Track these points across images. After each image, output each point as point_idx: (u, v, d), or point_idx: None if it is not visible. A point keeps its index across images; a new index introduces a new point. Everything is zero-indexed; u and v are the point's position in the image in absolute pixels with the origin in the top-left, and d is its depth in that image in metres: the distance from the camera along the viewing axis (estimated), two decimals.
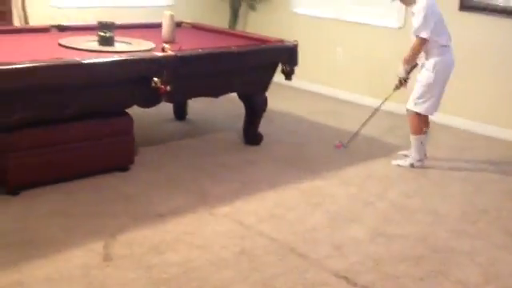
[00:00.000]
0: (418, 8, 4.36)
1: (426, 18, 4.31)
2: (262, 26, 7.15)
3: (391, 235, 3.57)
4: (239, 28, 7.31)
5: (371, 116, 5.04)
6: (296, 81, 7.07)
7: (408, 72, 4.62)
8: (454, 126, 5.90)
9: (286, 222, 3.65)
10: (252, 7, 7.45)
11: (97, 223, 3.44)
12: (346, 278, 3.04)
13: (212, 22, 6.09)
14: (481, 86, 5.76)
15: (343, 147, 5.01)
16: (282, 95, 6.50)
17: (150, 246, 3.23)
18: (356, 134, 5.07)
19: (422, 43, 4.39)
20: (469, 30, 5.71)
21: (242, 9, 7.41)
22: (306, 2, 7.12)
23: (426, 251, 3.41)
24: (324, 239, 3.46)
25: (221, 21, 6.97)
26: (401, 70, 4.61)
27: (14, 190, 3.69)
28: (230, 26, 7.18)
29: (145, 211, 3.64)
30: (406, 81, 4.64)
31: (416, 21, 4.37)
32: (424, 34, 4.34)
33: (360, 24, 6.57)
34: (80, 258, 3.05)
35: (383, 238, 3.52)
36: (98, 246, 3.18)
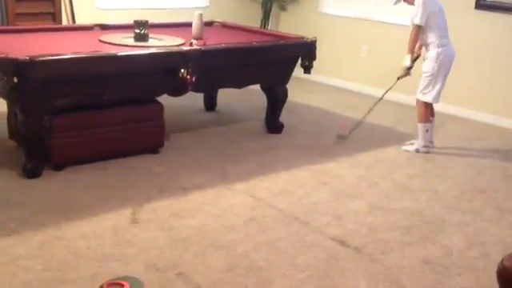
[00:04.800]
0: (416, 2, 4.77)
1: (420, 8, 4.71)
2: (293, 25, 7.51)
3: (389, 209, 3.92)
4: (271, 28, 7.70)
5: (375, 105, 5.36)
6: (322, 76, 7.42)
7: (412, 61, 4.94)
8: (467, 118, 6.21)
9: (294, 197, 4.04)
10: (283, 8, 7.89)
11: (128, 194, 3.91)
12: (340, 242, 3.42)
13: (245, 22, 6.46)
14: (495, 80, 6.05)
15: (345, 129, 5.31)
16: (308, 90, 6.90)
17: (172, 213, 3.68)
18: (360, 122, 5.41)
19: (417, 30, 4.78)
20: (484, 27, 6.03)
21: (274, 10, 7.82)
22: (333, 2, 7.50)
23: (419, 222, 3.75)
24: (326, 211, 3.84)
25: (253, 21, 7.39)
26: (406, 60, 4.95)
27: (57, 166, 4.20)
28: (261, 26, 7.61)
29: (170, 185, 4.09)
30: (409, 70, 4.98)
31: (413, 12, 4.77)
32: (417, 21, 4.74)
33: (384, 22, 6.90)
34: (111, 221, 3.53)
35: (381, 211, 3.88)
36: (127, 212, 3.65)
